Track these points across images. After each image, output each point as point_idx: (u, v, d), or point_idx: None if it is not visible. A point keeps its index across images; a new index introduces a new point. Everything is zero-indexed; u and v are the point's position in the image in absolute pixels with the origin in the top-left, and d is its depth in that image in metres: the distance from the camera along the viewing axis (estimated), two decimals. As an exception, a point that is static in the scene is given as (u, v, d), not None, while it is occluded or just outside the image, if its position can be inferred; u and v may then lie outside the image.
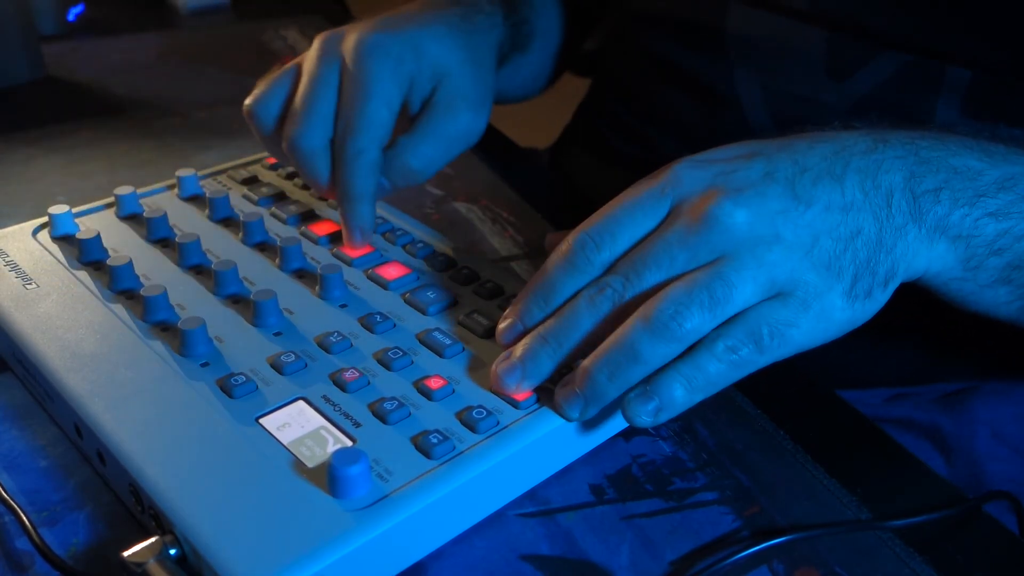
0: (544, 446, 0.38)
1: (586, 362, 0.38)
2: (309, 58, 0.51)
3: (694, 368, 0.37)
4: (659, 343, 0.36)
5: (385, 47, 0.50)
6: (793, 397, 0.46)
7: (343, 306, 0.45)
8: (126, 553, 0.33)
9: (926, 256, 0.40)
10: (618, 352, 0.37)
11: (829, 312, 0.38)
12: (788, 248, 0.38)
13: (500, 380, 0.39)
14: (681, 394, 0.37)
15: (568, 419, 0.38)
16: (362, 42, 0.50)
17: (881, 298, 0.39)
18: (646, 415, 0.37)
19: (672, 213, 0.40)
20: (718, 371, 0.37)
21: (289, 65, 0.52)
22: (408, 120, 0.52)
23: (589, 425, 0.40)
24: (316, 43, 0.51)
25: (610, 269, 0.40)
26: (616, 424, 0.42)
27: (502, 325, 0.41)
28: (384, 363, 0.41)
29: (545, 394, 0.39)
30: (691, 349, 0.37)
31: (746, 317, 0.37)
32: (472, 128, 0.52)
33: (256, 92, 0.51)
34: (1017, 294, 0.42)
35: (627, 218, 0.40)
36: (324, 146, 0.49)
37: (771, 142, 0.41)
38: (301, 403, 0.39)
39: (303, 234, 0.51)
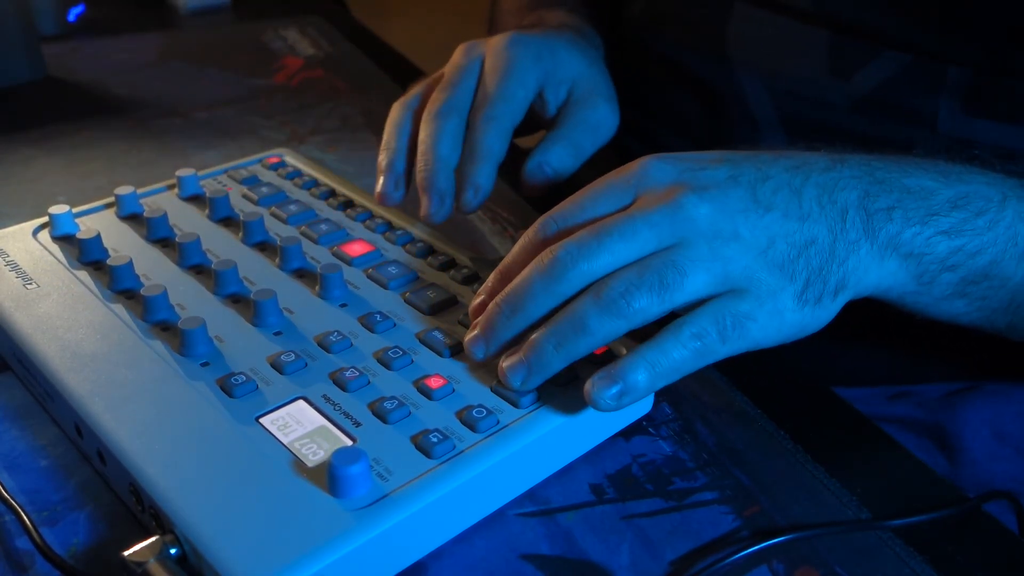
0: (544, 445, 0.39)
1: (534, 334, 0.39)
2: (450, 65, 0.55)
3: (659, 353, 0.38)
4: (606, 318, 0.37)
5: (526, 43, 0.55)
6: (793, 397, 0.46)
7: (343, 305, 0.45)
8: (126, 553, 0.33)
9: (877, 272, 0.41)
10: (567, 323, 0.38)
11: (781, 312, 0.39)
12: (745, 246, 0.39)
13: (468, 346, 0.40)
14: (645, 378, 0.37)
15: (510, 388, 0.39)
16: (505, 38, 0.55)
17: (831, 307, 0.40)
18: (610, 399, 0.37)
19: (636, 202, 0.41)
20: (682, 357, 0.38)
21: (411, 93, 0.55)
22: (547, 125, 0.57)
23: (589, 425, 0.40)
24: (458, 51, 0.56)
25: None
26: (616, 424, 0.42)
27: (474, 303, 0.43)
28: (384, 362, 0.41)
29: (546, 394, 0.39)
30: (656, 337, 0.38)
31: (710, 307, 0.38)
32: (610, 119, 0.56)
33: (385, 138, 0.53)
34: (974, 306, 0.44)
35: (590, 203, 0.41)
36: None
37: (739, 152, 0.43)
38: (301, 402, 0.39)
39: (304, 234, 0.51)
